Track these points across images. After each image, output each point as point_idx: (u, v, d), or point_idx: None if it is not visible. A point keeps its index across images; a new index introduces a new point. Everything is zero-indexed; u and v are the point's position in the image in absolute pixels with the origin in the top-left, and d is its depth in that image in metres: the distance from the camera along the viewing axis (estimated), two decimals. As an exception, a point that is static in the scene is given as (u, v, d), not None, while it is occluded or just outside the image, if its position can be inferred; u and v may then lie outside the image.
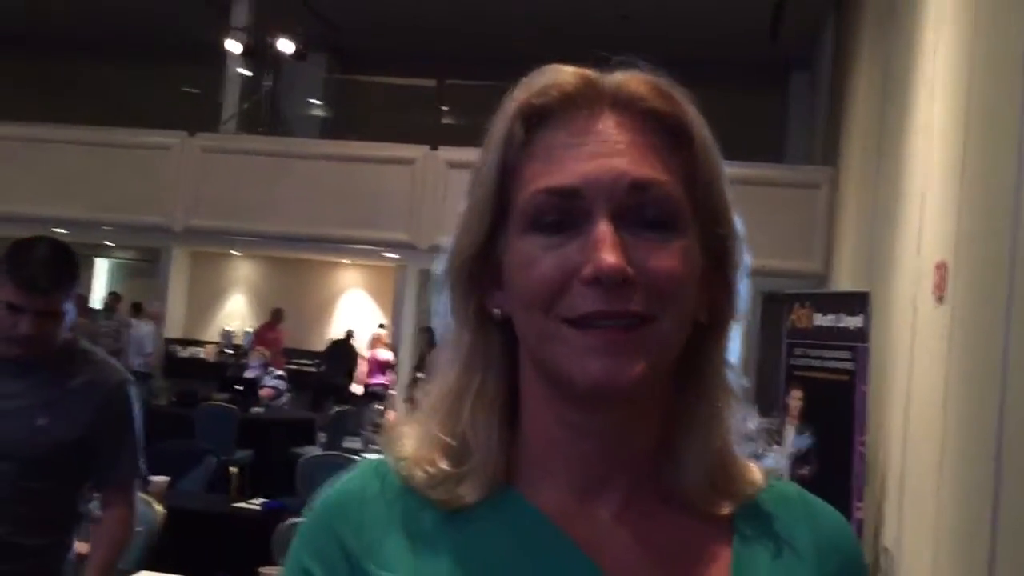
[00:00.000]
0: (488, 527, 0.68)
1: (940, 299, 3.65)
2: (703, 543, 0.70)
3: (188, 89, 12.34)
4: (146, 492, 4.04)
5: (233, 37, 11.52)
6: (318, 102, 13.74)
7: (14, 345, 2.24)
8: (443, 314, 0.72)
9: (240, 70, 12.08)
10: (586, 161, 0.65)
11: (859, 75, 7.31)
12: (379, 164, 10.49)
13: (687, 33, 11.02)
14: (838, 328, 4.79)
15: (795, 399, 4.98)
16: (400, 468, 0.70)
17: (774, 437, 0.75)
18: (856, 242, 7.00)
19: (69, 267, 2.31)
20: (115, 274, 14.94)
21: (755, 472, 0.73)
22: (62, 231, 9.57)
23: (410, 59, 12.34)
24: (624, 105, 0.68)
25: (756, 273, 0.70)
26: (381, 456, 0.73)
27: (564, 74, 0.69)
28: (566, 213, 0.65)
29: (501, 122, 0.69)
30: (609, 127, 0.67)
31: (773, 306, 8.51)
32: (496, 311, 0.70)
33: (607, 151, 0.66)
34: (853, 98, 7.63)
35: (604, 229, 0.64)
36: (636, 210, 0.65)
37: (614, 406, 0.67)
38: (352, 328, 12.19)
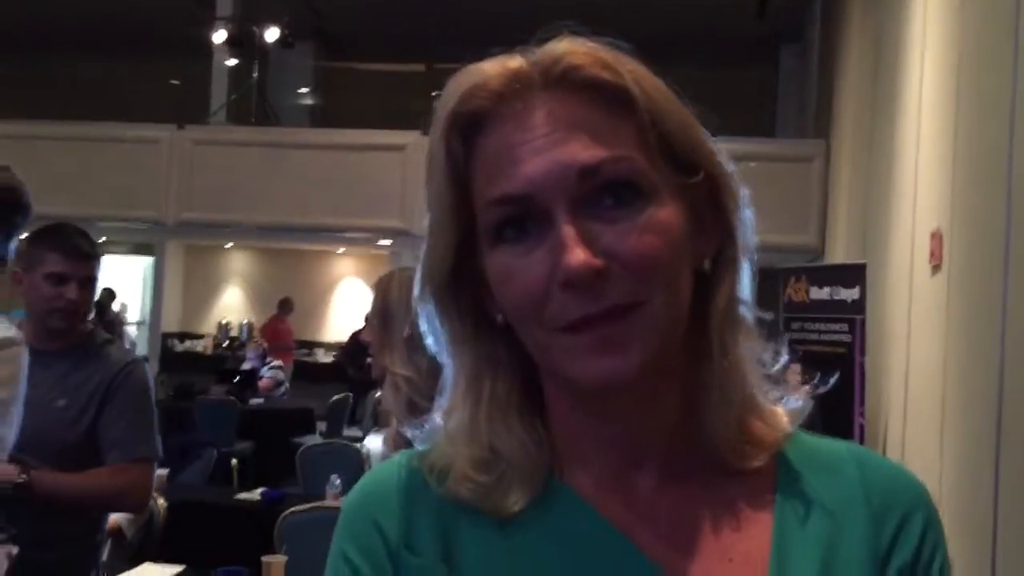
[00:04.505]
0: (534, 523, 0.68)
1: (936, 267, 3.64)
2: (744, 509, 0.69)
3: (175, 81, 12.26)
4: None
5: (219, 27, 11.45)
6: (307, 90, 13.68)
7: (58, 317, 2.35)
8: (434, 331, 0.70)
9: (227, 61, 12.01)
10: (528, 160, 0.63)
11: (849, 46, 7.27)
12: (370, 151, 10.45)
13: (674, 10, 10.96)
14: (835, 301, 4.78)
15: (793, 374, 4.98)
16: (444, 485, 0.69)
17: (797, 376, 0.73)
18: (850, 214, 6.99)
19: (95, 242, 2.49)
20: (115, 270, 14.90)
21: (780, 417, 0.72)
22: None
23: (397, 44, 12.27)
24: (557, 82, 0.64)
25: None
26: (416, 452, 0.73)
27: (487, 72, 0.66)
28: (525, 218, 0.64)
29: (437, 138, 0.67)
30: (544, 116, 0.64)
31: (768, 281, 8.51)
32: (499, 317, 0.69)
33: (547, 144, 0.63)
34: (844, 70, 7.60)
35: (564, 229, 0.62)
36: (595, 193, 0.63)
37: (629, 392, 0.65)
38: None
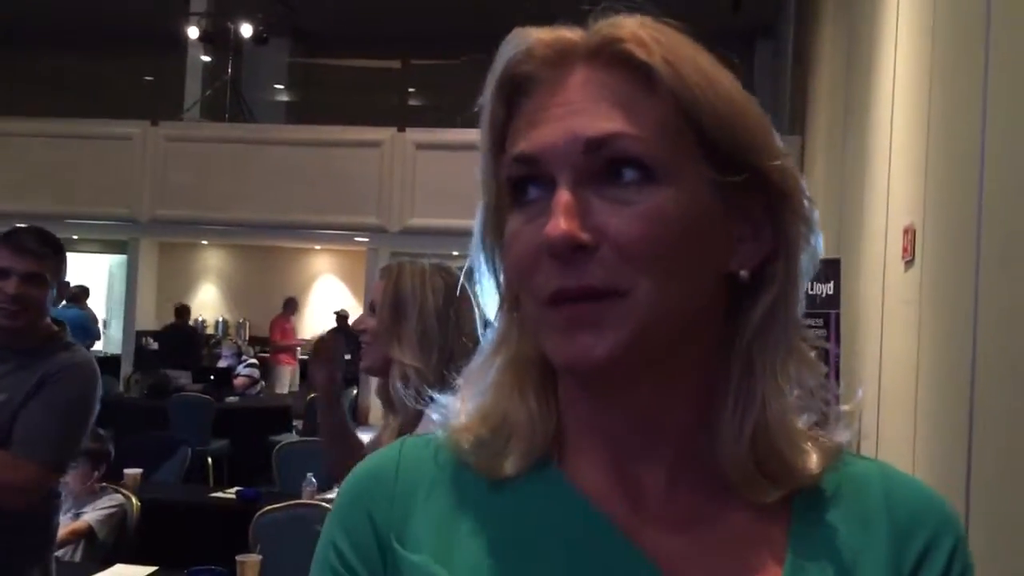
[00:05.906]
0: (525, 508, 0.65)
1: (909, 263, 3.66)
2: (755, 529, 0.65)
3: (148, 77, 12.17)
4: (120, 485, 4.01)
5: (192, 23, 11.37)
6: (282, 87, 13.61)
7: (1, 314, 2.28)
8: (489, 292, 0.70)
9: (202, 57, 11.93)
10: (546, 125, 0.62)
11: (823, 42, 7.32)
12: (346, 147, 10.41)
13: (647, 4, 10.97)
14: (809, 296, 4.80)
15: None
16: (449, 437, 0.68)
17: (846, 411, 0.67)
18: (825, 210, 7.03)
19: (52, 241, 2.42)
20: (82, 268, 14.77)
21: (811, 458, 0.66)
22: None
23: (373, 40, 12.24)
24: (596, 53, 0.63)
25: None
26: (421, 435, 0.72)
27: (537, 38, 0.65)
28: (537, 181, 0.62)
29: (485, 101, 0.66)
30: (575, 84, 0.62)
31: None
32: None
33: (566, 113, 0.62)
34: (818, 66, 7.64)
35: (559, 195, 0.60)
36: (604, 168, 0.61)
37: (619, 382, 0.63)
38: (345, 309, 11.93)
